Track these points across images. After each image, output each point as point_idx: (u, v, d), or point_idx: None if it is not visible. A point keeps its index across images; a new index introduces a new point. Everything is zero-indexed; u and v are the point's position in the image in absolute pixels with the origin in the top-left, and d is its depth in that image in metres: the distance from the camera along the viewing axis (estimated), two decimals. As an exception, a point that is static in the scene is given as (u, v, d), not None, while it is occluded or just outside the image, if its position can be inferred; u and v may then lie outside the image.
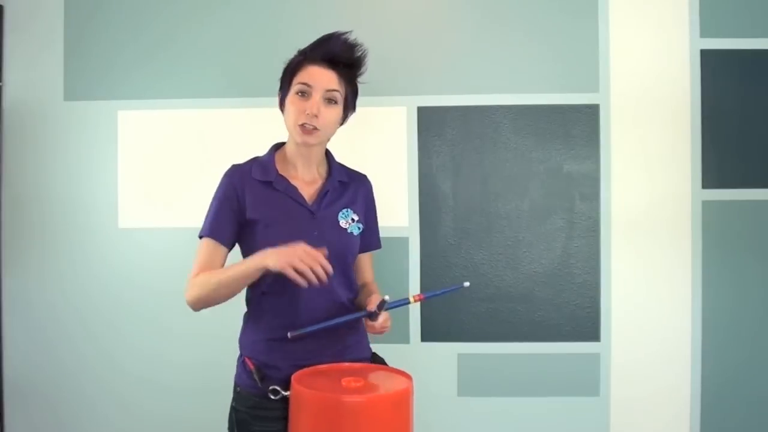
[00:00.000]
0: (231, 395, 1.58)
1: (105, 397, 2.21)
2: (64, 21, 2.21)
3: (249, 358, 1.52)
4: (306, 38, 2.19)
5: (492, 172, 2.18)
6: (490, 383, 2.17)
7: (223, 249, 1.53)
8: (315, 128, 1.50)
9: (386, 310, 1.46)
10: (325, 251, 1.39)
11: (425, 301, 1.53)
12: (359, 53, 1.55)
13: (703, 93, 2.16)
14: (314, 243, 1.44)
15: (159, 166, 2.20)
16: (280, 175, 1.55)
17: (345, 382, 1.34)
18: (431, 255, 2.18)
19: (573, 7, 2.17)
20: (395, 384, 1.40)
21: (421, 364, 2.14)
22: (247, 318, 1.59)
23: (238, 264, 1.46)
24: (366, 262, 1.69)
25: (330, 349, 1.52)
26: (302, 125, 1.49)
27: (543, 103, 2.17)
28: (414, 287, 2.16)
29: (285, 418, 1.42)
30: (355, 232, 1.58)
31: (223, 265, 1.52)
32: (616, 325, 2.16)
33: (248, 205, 1.51)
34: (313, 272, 1.37)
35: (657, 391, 2.16)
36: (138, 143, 2.21)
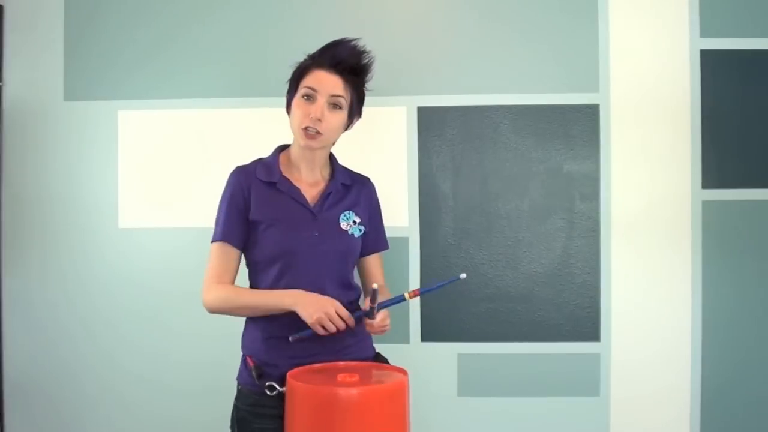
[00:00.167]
0: (232, 395, 1.60)
1: (105, 397, 2.22)
2: (64, 21, 2.22)
3: (250, 357, 1.55)
4: (306, 38, 2.20)
5: (492, 172, 2.19)
6: (490, 383, 2.18)
7: (236, 252, 1.57)
8: (318, 132, 1.52)
9: (383, 308, 1.48)
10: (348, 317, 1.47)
11: (420, 296, 1.52)
12: (366, 60, 1.58)
13: (703, 93, 2.16)
14: (314, 243, 1.50)
15: (159, 166, 2.21)
16: (284, 177, 1.58)
17: (340, 377, 1.36)
18: (431, 255, 2.18)
19: (573, 7, 2.18)
20: (390, 378, 1.42)
21: (421, 364, 2.14)
22: (248, 318, 1.62)
23: (266, 295, 1.52)
24: (375, 264, 1.71)
25: (330, 348, 1.53)
26: (305, 129, 1.52)
27: (543, 103, 2.18)
28: (414, 287, 2.17)
29: (283, 416, 1.44)
30: (356, 234, 1.60)
31: (237, 268, 1.57)
32: (616, 325, 2.17)
33: (253, 206, 1.54)
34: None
35: (657, 391, 2.16)
36: (138, 143, 2.21)
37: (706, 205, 2.16)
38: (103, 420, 2.22)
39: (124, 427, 2.22)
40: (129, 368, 2.21)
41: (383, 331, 1.52)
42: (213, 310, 1.55)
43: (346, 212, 1.60)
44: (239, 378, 1.59)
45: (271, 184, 1.56)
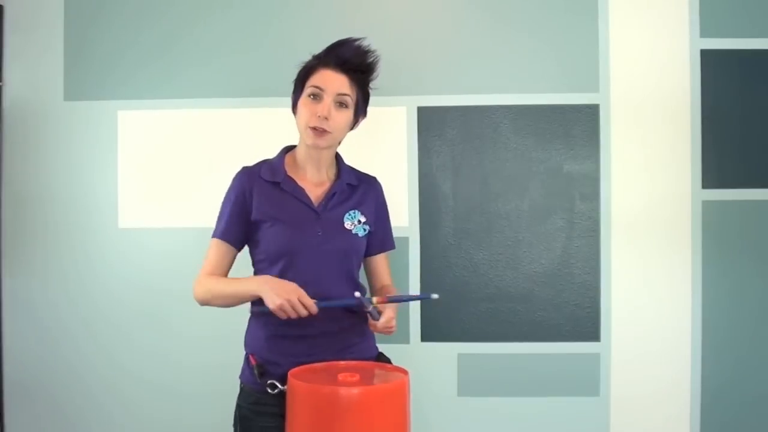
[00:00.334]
0: (233, 395, 1.62)
1: (105, 396, 2.23)
2: (64, 21, 2.23)
3: (252, 355, 1.57)
4: (306, 39, 2.20)
5: (492, 172, 2.19)
6: (490, 383, 2.18)
7: (232, 250, 1.60)
8: (325, 131, 1.53)
9: (342, 305, 1.51)
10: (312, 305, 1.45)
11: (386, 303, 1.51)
12: (371, 59, 1.60)
13: (703, 93, 2.17)
14: (317, 242, 1.53)
15: (159, 166, 2.22)
16: (288, 176, 1.59)
17: (341, 377, 1.37)
18: (431, 255, 2.19)
19: (573, 6, 2.18)
20: (391, 378, 1.43)
21: (421, 364, 2.15)
22: (251, 316, 1.63)
23: (237, 282, 1.54)
24: (382, 264, 1.72)
25: (332, 347, 1.55)
26: (313, 128, 1.53)
27: (543, 103, 2.18)
28: (414, 287, 2.18)
29: (284, 415, 1.45)
30: (360, 233, 1.61)
31: (231, 265, 1.60)
32: (616, 325, 2.17)
33: (255, 206, 1.56)
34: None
35: (657, 391, 2.17)
36: (138, 143, 2.22)
37: (706, 205, 2.16)
38: (103, 419, 2.23)
39: (124, 426, 2.23)
40: (130, 368, 2.22)
41: (389, 332, 1.51)
42: (199, 301, 1.59)
43: (351, 212, 1.61)
44: (242, 376, 1.61)
45: (276, 184, 1.58)
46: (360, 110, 1.62)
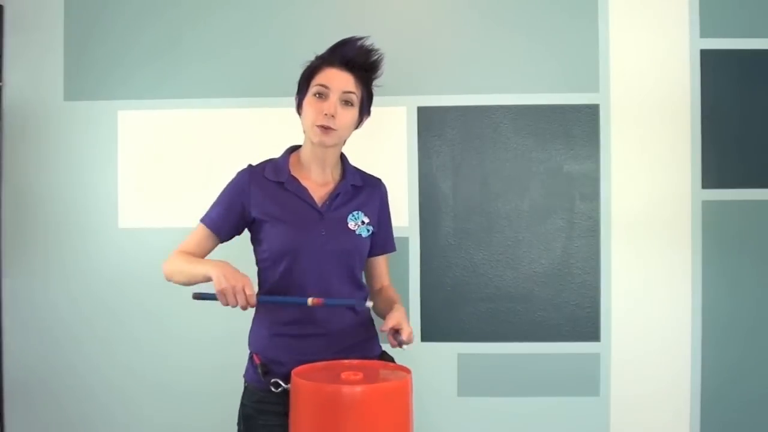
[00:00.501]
0: (236, 395, 1.63)
1: (106, 395, 2.25)
2: (64, 21, 2.24)
3: (256, 354, 1.58)
4: (306, 38, 2.21)
5: (492, 172, 2.20)
6: (490, 383, 2.19)
7: (213, 238, 1.62)
8: (332, 128, 1.54)
9: (281, 302, 1.53)
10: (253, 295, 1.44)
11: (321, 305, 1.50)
12: (375, 57, 1.61)
13: (703, 93, 2.17)
14: (321, 242, 1.54)
15: (159, 166, 2.22)
16: (292, 176, 1.60)
17: (344, 375, 1.38)
18: (431, 255, 2.19)
19: (573, 7, 2.19)
20: (394, 377, 1.44)
21: (421, 364, 2.15)
22: (255, 315, 1.65)
23: (196, 262, 1.55)
24: (381, 265, 1.73)
25: (335, 346, 1.56)
26: (320, 126, 1.54)
27: (543, 103, 2.19)
28: (414, 287, 2.19)
29: (288, 414, 1.46)
30: (364, 234, 1.62)
31: (209, 251, 1.62)
32: (616, 325, 2.18)
33: (255, 205, 1.57)
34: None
35: (657, 391, 2.17)
36: (138, 143, 2.23)
37: (706, 205, 2.17)
38: (104, 419, 2.24)
39: (125, 426, 2.24)
40: (130, 368, 2.23)
41: (411, 341, 1.51)
42: (164, 275, 1.59)
43: (355, 212, 1.62)
44: (246, 375, 1.63)
45: (280, 184, 1.59)
46: (365, 109, 1.63)
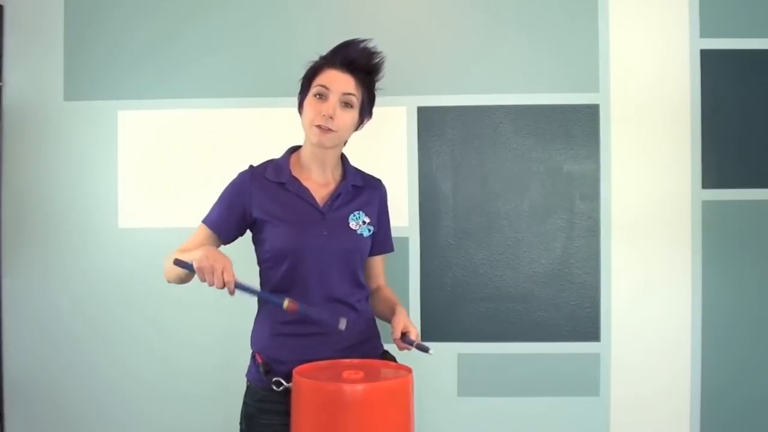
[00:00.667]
0: (236, 395, 1.64)
1: (106, 396, 2.26)
2: (64, 21, 2.24)
3: (258, 353, 1.60)
4: (306, 38, 2.22)
5: (492, 172, 2.20)
6: (490, 383, 2.19)
7: (216, 239, 1.62)
8: (330, 129, 1.56)
9: (256, 295, 1.48)
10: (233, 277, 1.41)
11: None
12: (377, 60, 1.62)
13: (703, 93, 2.18)
14: (322, 242, 1.56)
15: (159, 166, 2.23)
16: (293, 177, 1.62)
17: (346, 374, 1.39)
18: (431, 255, 2.20)
19: (573, 7, 2.20)
20: (395, 375, 1.46)
21: (421, 363, 2.14)
22: (257, 314, 1.67)
23: (186, 254, 1.51)
24: (378, 265, 1.75)
25: (337, 345, 1.57)
26: (318, 126, 1.55)
27: (543, 103, 2.20)
28: (414, 287, 2.20)
29: (290, 412, 1.47)
30: (365, 233, 1.64)
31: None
32: (616, 325, 2.18)
33: (255, 206, 1.59)
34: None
35: (657, 391, 2.18)
36: (138, 143, 2.23)
37: (706, 205, 2.17)
38: (104, 420, 2.25)
39: (125, 427, 2.25)
40: (131, 368, 2.24)
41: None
42: (166, 279, 1.58)
43: (356, 212, 1.64)
44: (248, 374, 1.64)
45: (281, 185, 1.60)
46: (365, 111, 1.64)
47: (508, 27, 2.22)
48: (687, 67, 2.19)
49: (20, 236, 2.25)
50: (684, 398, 2.19)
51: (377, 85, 1.66)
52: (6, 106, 2.26)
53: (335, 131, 1.56)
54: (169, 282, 1.58)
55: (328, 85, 1.56)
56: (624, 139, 2.20)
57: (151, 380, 2.23)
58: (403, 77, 2.19)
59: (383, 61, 1.63)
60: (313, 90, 1.58)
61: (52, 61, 2.25)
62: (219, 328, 2.19)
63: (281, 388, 1.51)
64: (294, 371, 1.43)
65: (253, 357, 1.61)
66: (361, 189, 1.67)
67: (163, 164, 2.24)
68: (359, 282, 1.65)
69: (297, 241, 1.55)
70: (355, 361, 1.52)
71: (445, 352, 2.21)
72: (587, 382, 2.20)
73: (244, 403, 1.61)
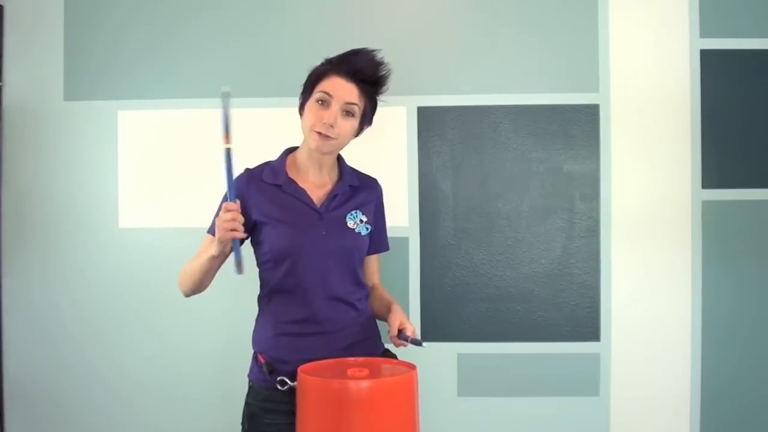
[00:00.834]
0: (236, 397, 1.65)
1: (106, 397, 2.27)
2: (64, 21, 2.25)
3: (260, 354, 1.60)
4: (307, 38, 2.22)
5: (492, 172, 2.20)
6: (490, 383, 2.20)
7: None
8: (329, 137, 1.57)
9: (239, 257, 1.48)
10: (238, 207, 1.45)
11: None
12: (383, 72, 1.63)
13: (703, 93, 2.18)
14: (322, 242, 1.57)
15: (159, 166, 2.24)
16: (290, 178, 1.63)
17: (350, 372, 1.41)
18: (431, 255, 2.20)
19: (573, 6, 2.20)
20: (399, 372, 1.48)
21: (421, 364, 2.14)
22: (258, 315, 1.68)
23: (197, 257, 1.59)
24: (373, 264, 1.77)
25: (339, 344, 1.59)
26: (318, 132, 1.56)
27: (543, 103, 2.20)
28: (414, 287, 2.21)
29: (294, 412, 1.49)
30: (363, 232, 1.66)
31: (221, 262, 1.61)
32: (616, 325, 2.19)
33: (253, 208, 1.60)
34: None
35: (657, 391, 2.19)
36: (138, 143, 2.24)
37: (706, 205, 2.18)
38: (104, 420, 2.26)
39: (125, 427, 2.25)
40: (130, 369, 2.26)
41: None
42: (179, 286, 1.63)
43: (353, 212, 1.65)
44: (250, 375, 1.65)
45: (277, 186, 1.62)
46: (366, 120, 1.66)
47: (508, 27, 2.23)
48: (687, 67, 2.20)
49: (20, 236, 2.26)
50: (684, 398, 2.19)
51: (380, 97, 1.66)
52: (6, 106, 2.26)
53: (335, 139, 1.57)
54: (192, 291, 1.62)
55: (331, 93, 1.56)
56: (624, 139, 2.20)
57: (149, 379, 2.24)
58: (403, 77, 2.16)
59: (389, 74, 1.63)
60: (316, 95, 1.58)
61: (52, 61, 2.25)
62: (220, 328, 2.20)
63: (285, 387, 1.52)
64: (299, 369, 1.45)
65: (255, 357, 1.62)
66: (358, 189, 1.69)
67: (163, 164, 2.25)
68: (359, 281, 1.66)
69: (296, 241, 1.57)
70: (359, 359, 1.53)
71: (445, 352, 2.21)
72: (587, 382, 2.21)
73: (247, 404, 1.62)
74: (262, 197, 1.60)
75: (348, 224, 1.63)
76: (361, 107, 1.60)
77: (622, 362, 2.20)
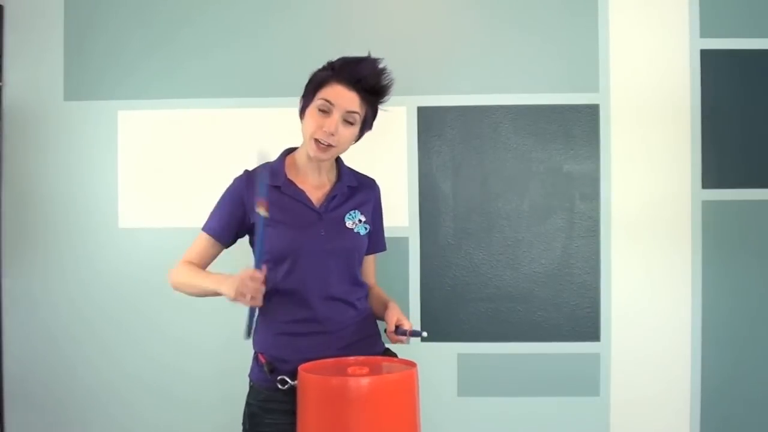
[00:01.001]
0: (235, 396, 1.66)
1: (106, 396, 2.28)
2: (64, 21, 2.26)
3: (261, 353, 1.61)
4: (307, 38, 2.22)
5: (492, 172, 2.21)
6: (490, 383, 2.20)
7: (217, 245, 1.66)
8: (329, 145, 1.57)
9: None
10: (262, 274, 1.47)
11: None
12: (386, 81, 1.62)
13: (703, 93, 2.19)
14: (321, 242, 1.58)
15: (159, 166, 2.24)
16: (289, 180, 1.64)
17: (351, 370, 1.42)
18: (431, 255, 2.20)
19: (573, 6, 2.21)
20: (399, 370, 1.49)
21: (421, 364, 2.14)
22: (259, 315, 1.67)
23: (203, 278, 1.60)
24: (370, 264, 1.78)
25: (339, 344, 1.60)
26: (317, 141, 1.57)
27: (543, 103, 2.21)
28: (414, 287, 2.22)
29: (294, 412, 1.50)
30: (362, 232, 1.67)
31: (213, 258, 1.67)
32: (616, 325, 2.19)
33: (253, 210, 1.59)
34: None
35: (657, 391, 2.20)
36: (138, 143, 2.24)
37: (706, 205, 2.18)
38: (104, 420, 2.27)
39: (125, 427, 2.26)
40: (130, 368, 2.26)
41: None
42: (171, 285, 1.67)
43: (352, 212, 1.66)
44: (251, 374, 1.66)
45: (276, 188, 1.62)
46: (366, 126, 1.66)
47: (508, 27, 2.23)
48: (687, 67, 2.20)
49: (20, 236, 2.26)
50: (684, 398, 2.20)
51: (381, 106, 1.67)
52: (6, 106, 2.27)
53: (334, 147, 1.58)
54: (178, 291, 1.66)
55: (332, 101, 1.56)
56: (624, 139, 2.21)
57: (149, 378, 2.25)
58: (403, 77, 2.17)
59: (392, 84, 1.62)
60: (317, 102, 1.57)
61: (52, 61, 2.26)
62: (221, 328, 2.20)
63: (286, 386, 1.53)
64: (300, 368, 1.46)
65: (256, 357, 1.63)
66: (356, 189, 1.70)
67: (163, 164, 2.25)
68: (358, 280, 1.67)
69: (295, 242, 1.58)
70: (360, 358, 1.55)
71: (445, 352, 2.22)
72: (587, 382, 2.21)
73: (247, 404, 1.63)
74: None
75: (347, 224, 1.64)
76: (362, 115, 1.60)
77: (622, 362, 2.21)
